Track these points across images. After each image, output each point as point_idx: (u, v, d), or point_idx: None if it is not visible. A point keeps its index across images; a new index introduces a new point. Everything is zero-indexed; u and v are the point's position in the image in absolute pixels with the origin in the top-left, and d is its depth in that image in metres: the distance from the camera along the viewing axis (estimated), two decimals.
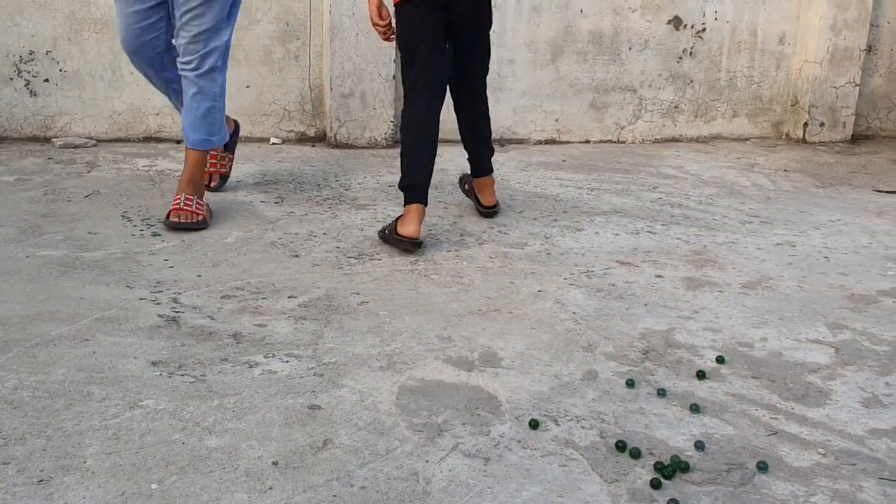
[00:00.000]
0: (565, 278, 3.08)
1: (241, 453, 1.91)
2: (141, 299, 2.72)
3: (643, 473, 1.88)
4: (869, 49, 5.61)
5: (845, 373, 2.40)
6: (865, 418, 2.16)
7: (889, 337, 2.64)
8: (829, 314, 2.82)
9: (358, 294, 2.86)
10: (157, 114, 4.90)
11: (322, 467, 1.86)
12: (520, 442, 2.00)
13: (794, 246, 3.52)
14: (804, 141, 5.57)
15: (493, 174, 3.74)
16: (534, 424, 2.06)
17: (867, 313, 2.83)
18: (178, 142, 4.81)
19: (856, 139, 5.69)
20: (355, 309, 2.73)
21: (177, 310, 2.66)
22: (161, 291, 2.80)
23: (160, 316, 2.61)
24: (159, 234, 3.35)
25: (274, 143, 5.09)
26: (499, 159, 4.98)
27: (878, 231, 3.77)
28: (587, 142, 5.42)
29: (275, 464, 1.87)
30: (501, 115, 5.21)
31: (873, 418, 2.16)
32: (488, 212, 3.74)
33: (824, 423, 2.13)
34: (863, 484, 1.87)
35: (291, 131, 5.16)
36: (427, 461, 1.89)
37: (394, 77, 4.90)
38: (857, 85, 5.57)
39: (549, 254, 3.34)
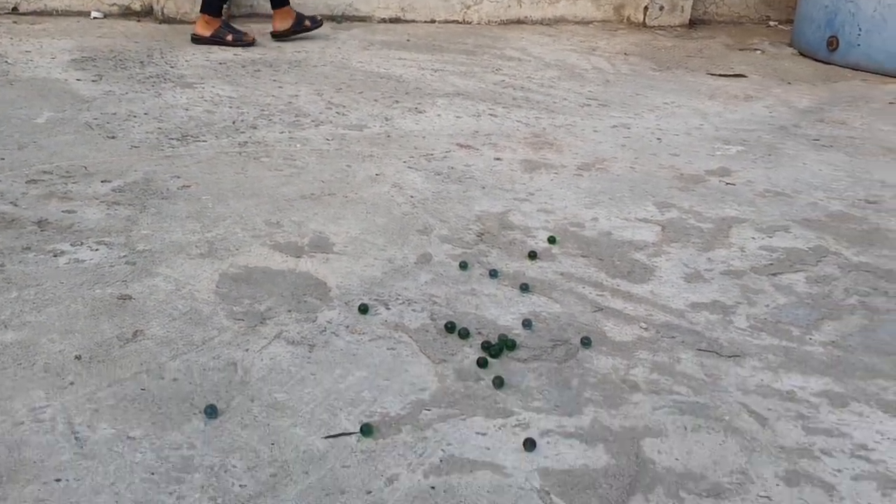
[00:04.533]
0: (404, 161, 2.99)
1: (40, 348, 1.75)
2: None
3: (471, 353, 1.86)
4: None
5: (670, 250, 2.46)
6: (687, 293, 2.22)
7: (713, 214, 2.72)
8: (658, 193, 2.87)
9: (179, 178, 2.67)
10: None
11: (130, 360, 1.73)
12: (348, 327, 1.93)
13: (629, 128, 3.56)
14: (644, 25, 5.62)
15: (288, 5, 4.44)
16: (363, 309, 1.99)
17: (694, 192, 2.90)
18: None
19: (693, 24, 5.80)
20: (175, 193, 2.55)
21: None
22: None
23: None
24: None
25: (95, 17, 4.66)
26: (340, 37, 4.77)
27: (709, 113, 3.87)
28: (432, 21, 5.26)
29: (77, 358, 1.73)
30: None
31: (694, 293, 2.23)
32: (274, 37, 4.53)
33: (648, 298, 2.18)
34: (681, 356, 1.93)
35: (114, 4, 4.74)
36: (247, 350, 1.80)
37: None
38: None
39: (388, 136, 3.24)
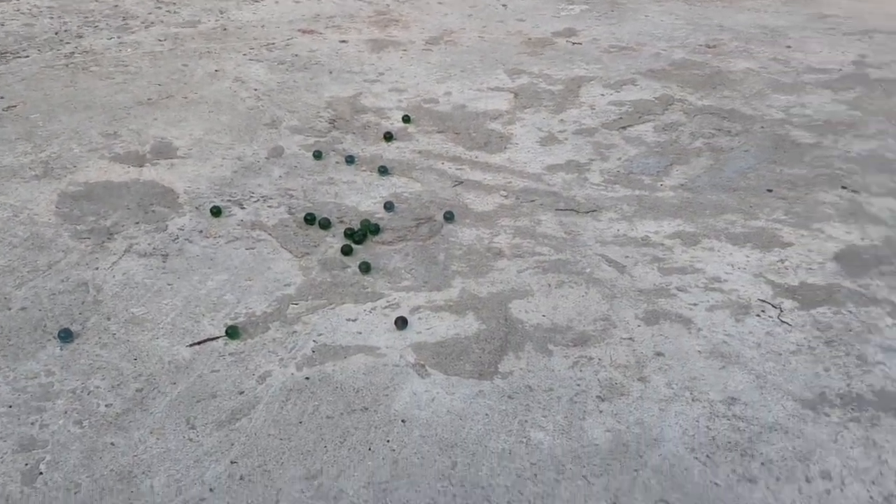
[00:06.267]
0: (244, 54, 2.86)
1: None
2: None
3: (334, 242, 1.83)
4: None
5: (524, 116, 2.47)
6: (543, 156, 2.24)
7: (562, 76, 2.73)
8: (508, 61, 2.85)
9: (3, 98, 2.47)
10: None
11: None
12: (201, 232, 1.86)
13: None
14: None
15: None
16: (216, 212, 1.92)
17: (543, 56, 2.90)
18: None
19: None
20: (1, 116, 2.36)
21: None
22: None
23: None
24: None
25: None
26: None
27: None
28: None
29: None
30: None
31: (550, 155, 2.25)
32: None
33: (506, 166, 2.19)
34: (541, 217, 1.96)
35: None
36: (97, 269, 1.71)
37: None
38: None
39: (225, 30, 3.07)
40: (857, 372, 1.46)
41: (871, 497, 1.21)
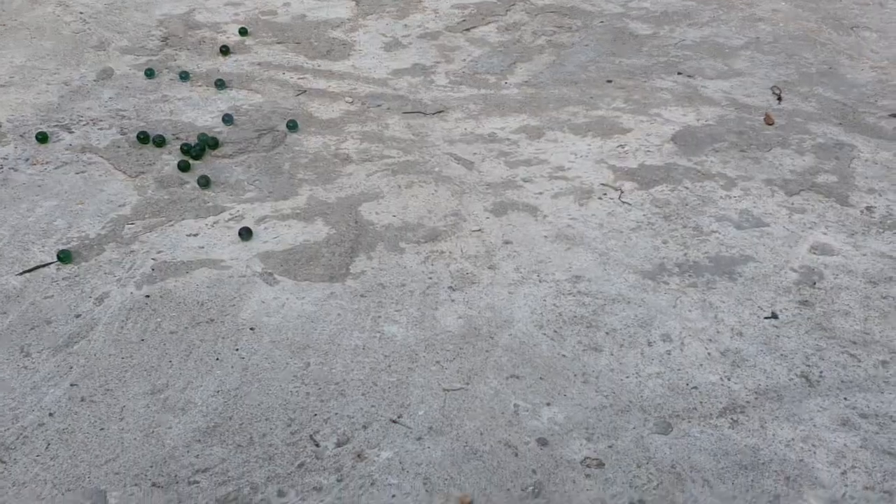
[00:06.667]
0: None
1: None
2: None
3: (170, 160, 1.75)
4: None
5: (366, 23, 2.41)
6: (388, 62, 2.20)
7: None
8: None
9: None
10: None
11: None
12: (27, 160, 1.74)
13: None
14: None
15: None
16: (42, 138, 1.80)
17: None
18: None
19: None
20: None
21: None
22: None
23: None
24: None
25: None
26: None
27: None
28: None
29: None
30: None
31: (395, 60, 2.21)
32: None
33: (350, 73, 2.14)
34: (388, 121, 1.93)
35: None
36: None
37: None
38: None
39: None
40: (693, 242, 1.52)
41: (709, 353, 1.28)
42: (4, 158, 1.74)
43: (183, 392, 1.19)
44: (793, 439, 1.13)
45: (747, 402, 1.19)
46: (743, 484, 1.06)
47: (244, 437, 1.12)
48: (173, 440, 1.11)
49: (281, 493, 1.04)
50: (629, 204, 1.62)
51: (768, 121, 1.91)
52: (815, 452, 1.11)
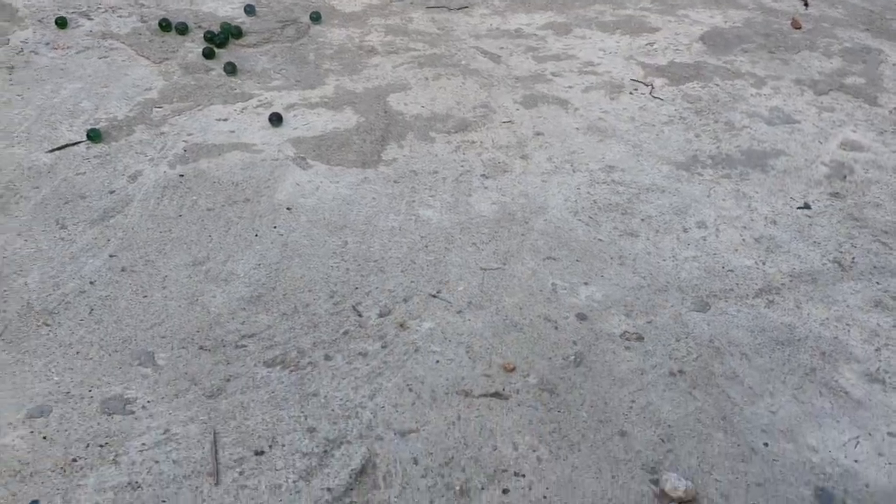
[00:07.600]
0: None
1: None
2: None
3: (194, 47, 1.72)
4: None
5: None
6: None
7: None
8: None
9: None
10: None
11: None
12: (48, 44, 1.71)
13: None
14: None
15: None
16: (61, 23, 1.76)
17: None
18: None
19: None
20: None
21: None
22: None
23: None
24: None
25: None
26: None
27: None
28: None
29: None
30: None
31: None
32: None
33: None
34: (412, 15, 1.90)
35: None
36: None
37: None
38: None
39: None
40: (725, 136, 1.52)
41: (744, 239, 1.29)
42: (24, 42, 1.71)
43: (224, 264, 1.19)
44: (827, 318, 1.15)
45: (782, 284, 1.20)
46: (780, 358, 1.08)
47: (288, 307, 1.13)
48: (218, 308, 1.12)
49: (328, 357, 1.05)
50: (661, 99, 1.61)
51: (795, 25, 1.89)
52: (849, 331, 1.13)
